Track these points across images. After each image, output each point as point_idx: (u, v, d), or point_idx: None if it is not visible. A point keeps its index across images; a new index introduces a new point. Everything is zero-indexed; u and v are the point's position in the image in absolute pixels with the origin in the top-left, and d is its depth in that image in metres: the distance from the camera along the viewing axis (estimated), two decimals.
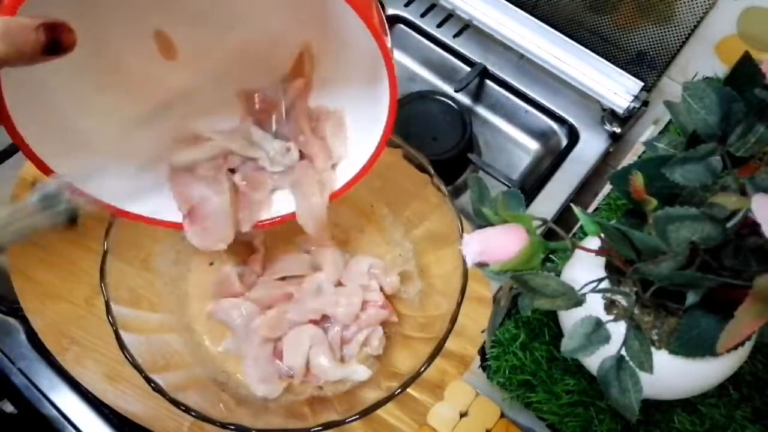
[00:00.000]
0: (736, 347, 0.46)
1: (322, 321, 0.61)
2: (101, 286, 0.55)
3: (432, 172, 0.62)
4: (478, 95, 0.89)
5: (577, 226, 0.66)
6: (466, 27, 0.89)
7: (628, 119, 0.81)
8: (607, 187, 0.70)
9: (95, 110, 0.50)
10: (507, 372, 0.56)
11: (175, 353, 0.57)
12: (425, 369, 0.54)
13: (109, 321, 0.53)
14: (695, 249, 0.40)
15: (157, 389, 0.51)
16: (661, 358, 0.45)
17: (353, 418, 0.53)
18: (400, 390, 0.53)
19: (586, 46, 0.83)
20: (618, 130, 0.82)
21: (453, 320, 0.56)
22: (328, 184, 0.56)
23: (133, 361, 0.52)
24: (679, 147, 0.46)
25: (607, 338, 0.43)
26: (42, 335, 0.60)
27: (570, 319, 0.48)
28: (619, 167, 0.52)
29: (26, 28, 0.36)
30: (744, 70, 0.44)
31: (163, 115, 0.55)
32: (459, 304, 0.56)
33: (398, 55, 0.92)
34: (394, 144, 0.63)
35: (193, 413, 0.51)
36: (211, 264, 0.64)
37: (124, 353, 0.52)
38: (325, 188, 0.56)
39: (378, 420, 0.59)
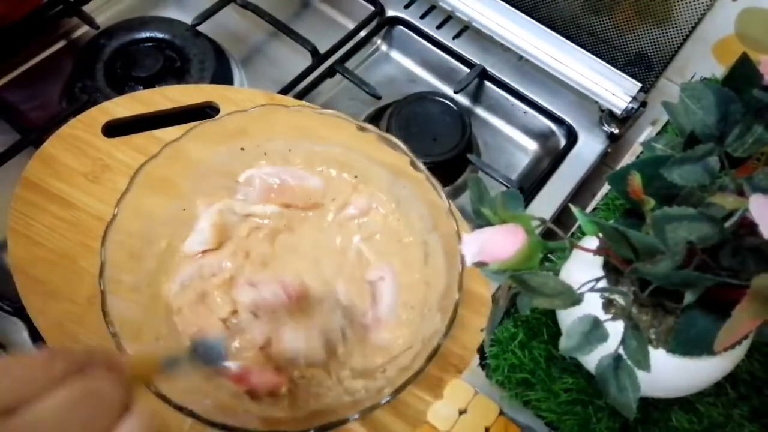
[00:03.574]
0: (733, 346, 0.46)
1: None
2: (99, 282, 0.55)
3: (435, 183, 0.62)
4: (477, 96, 0.89)
5: (576, 225, 0.66)
6: (465, 29, 0.90)
7: (626, 120, 0.81)
8: (606, 188, 0.70)
9: None
10: (506, 370, 0.57)
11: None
12: (423, 369, 0.55)
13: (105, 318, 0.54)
14: (693, 249, 0.40)
15: (154, 391, 0.52)
16: (658, 356, 0.45)
17: (350, 419, 0.53)
18: (397, 391, 0.54)
19: (585, 48, 0.83)
20: (616, 130, 0.82)
21: (450, 322, 0.56)
22: None
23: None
24: (677, 147, 0.47)
25: (605, 337, 0.44)
26: (45, 335, 0.60)
27: (568, 318, 0.48)
28: (618, 168, 0.52)
29: None
30: (742, 71, 0.45)
31: None
32: (456, 308, 0.57)
33: (398, 57, 0.93)
34: (401, 150, 0.64)
35: (192, 414, 0.51)
36: None
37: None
38: None
39: (376, 419, 0.59)
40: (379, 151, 0.65)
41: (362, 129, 0.65)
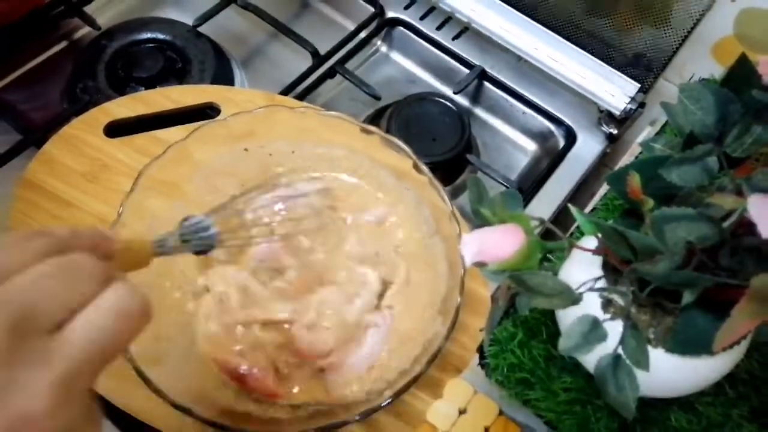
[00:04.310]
0: (732, 346, 0.46)
1: None
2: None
3: (438, 186, 0.62)
4: (476, 97, 0.89)
5: (575, 226, 0.66)
6: (464, 30, 0.90)
7: (624, 120, 0.81)
8: (604, 188, 0.70)
9: None
10: (505, 370, 0.57)
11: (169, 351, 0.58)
12: (423, 373, 0.55)
13: None
14: (692, 249, 0.40)
15: (154, 389, 0.52)
16: (657, 356, 0.45)
17: (350, 421, 0.53)
18: (397, 394, 0.54)
19: (584, 49, 0.83)
20: (615, 131, 0.82)
21: (452, 326, 0.57)
22: None
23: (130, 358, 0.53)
24: (675, 148, 0.47)
25: (604, 337, 0.44)
26: None
27: (567, 318, 0.48)
28: (616, 168, 0.52)
29: None
30: (740, 72, 0.45)
31: None
32: (457, 312, 0.57)
33: (398, 58, 0.93)
34: (405, 153, 0.64)
35: (191, 414, 0.52)
36: None
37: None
38: None
39: (376, 419, 0.59)
40: (382, 153, 0.65)
41: (366, 131, 0.65)
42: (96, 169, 0.69)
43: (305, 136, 0.67)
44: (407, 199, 0.65)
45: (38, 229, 0.36)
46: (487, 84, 0.88)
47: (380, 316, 0.62)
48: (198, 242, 0.49)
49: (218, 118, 0.70)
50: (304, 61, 0.85)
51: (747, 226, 0.40)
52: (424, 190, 0.64)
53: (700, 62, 0.78)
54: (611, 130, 0.82)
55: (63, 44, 0.88)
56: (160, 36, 0.84)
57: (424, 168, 0.63)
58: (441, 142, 0.79)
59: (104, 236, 0.39)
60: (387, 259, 0.64)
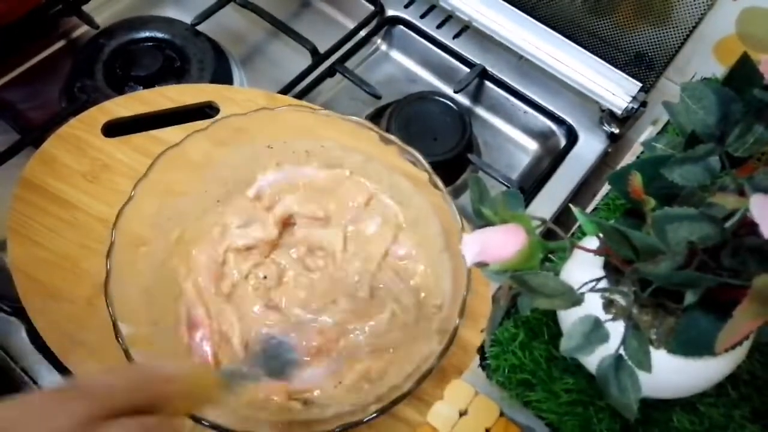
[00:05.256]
0: (734, 347, 0.46)
1: None
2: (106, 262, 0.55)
3: (442, 187, 0.62)
4: (477, 96, 0.89)
5: (576, 226, 0.66)
6: (465, 28, 0.89)
7: (626, 120, 0.81)
8: (606, 188, 0.70)
9: None
10: (506, 371, 0.57)
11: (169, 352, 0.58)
12: (412, 391, 0.55)
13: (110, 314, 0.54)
14: (694, 249, 0.40)
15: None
16: (659, 357, 0.45)
17: (349, 424, 0.53)
18: (382, 410, 0.54)
19: (585, 48, 0.83)
20: (616, 130, 0.82)
21: (446, 347, 0.56)
22: None
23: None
24: (677, 147, 0.46)
25: (605, 337, 0.44)
26: (44, 335, 0.60)
27: (569, 318, 0.48)
28: (618, 167, 0.52)
29: None
30: (742, 71, 0.45)
31: None
32: (454, 333, 0.57)
33: (398, 57, 0.92)
34: (421, 166, 0.64)
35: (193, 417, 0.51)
36: None
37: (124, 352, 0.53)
38: None
39: (376, 421, 0.59)
40: (401, 161, 0.65)
41: (385, 141, 0.64)
42: (96, 169, 0.68)
43: (318, 138, 0.66)
44: (424, 210, 0.65)
45: (70, 382, 0.35)
46: (487, 83, 0.87)
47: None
48: (277, 370, 0.45)
49: (220, 116, 0.69)
50: (304, 60, 0.84)
51: (749, 226, 0.40)
52: (437, 205, 0.63)
53: (701, 61, 0.78)
54: (613, 130, 0.82)
55: (61, 43, 0.87)
56: (159, 35, 0.84)
57: (440, 183, 0.62)
58: (442, 142, 0.79)
59: (156, 376, 0.36)
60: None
